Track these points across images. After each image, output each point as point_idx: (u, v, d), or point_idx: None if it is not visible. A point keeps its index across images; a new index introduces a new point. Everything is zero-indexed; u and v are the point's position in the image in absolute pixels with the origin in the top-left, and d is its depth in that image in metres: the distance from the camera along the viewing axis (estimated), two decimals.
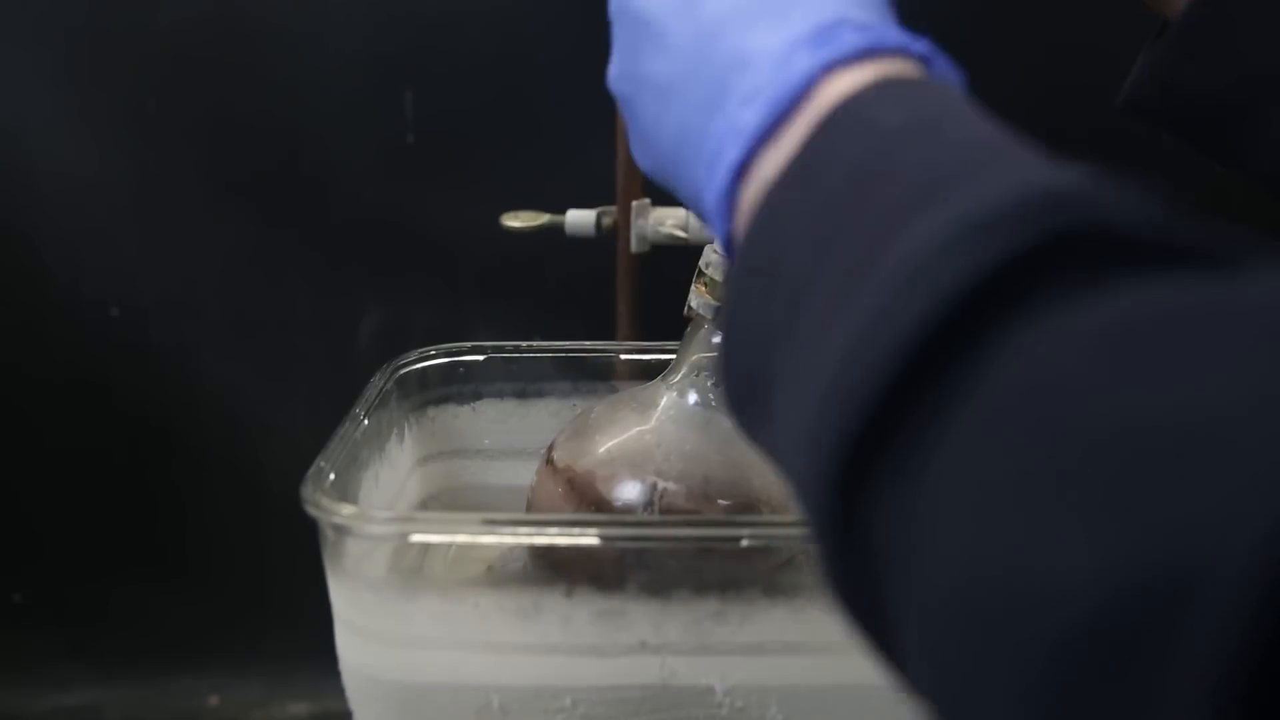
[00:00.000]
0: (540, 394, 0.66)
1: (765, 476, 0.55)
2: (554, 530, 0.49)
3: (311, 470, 0.50)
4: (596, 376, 0.66)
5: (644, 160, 0.40)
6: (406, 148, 1.01)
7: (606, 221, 0.81)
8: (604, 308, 0.84)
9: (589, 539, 0.47)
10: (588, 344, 0.67)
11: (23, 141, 1.01)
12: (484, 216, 0.85)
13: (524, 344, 0.66)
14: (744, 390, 0.31)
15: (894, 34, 0.32)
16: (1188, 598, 0.19)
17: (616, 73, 0.40)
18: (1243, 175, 0.46)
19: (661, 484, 0.53)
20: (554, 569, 0.52)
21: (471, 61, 0.99)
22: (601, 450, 0.55)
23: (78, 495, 1.09)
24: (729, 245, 0.34)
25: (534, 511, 0.57)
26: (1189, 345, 0.21)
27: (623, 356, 0.66)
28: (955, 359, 0.23)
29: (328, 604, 0.51)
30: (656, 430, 0.55)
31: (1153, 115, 0.49)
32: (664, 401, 0.56)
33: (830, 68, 0.31)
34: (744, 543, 0.47)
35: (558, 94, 0.99)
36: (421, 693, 0.49)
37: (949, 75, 0.33)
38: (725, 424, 0.55)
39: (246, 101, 1.01)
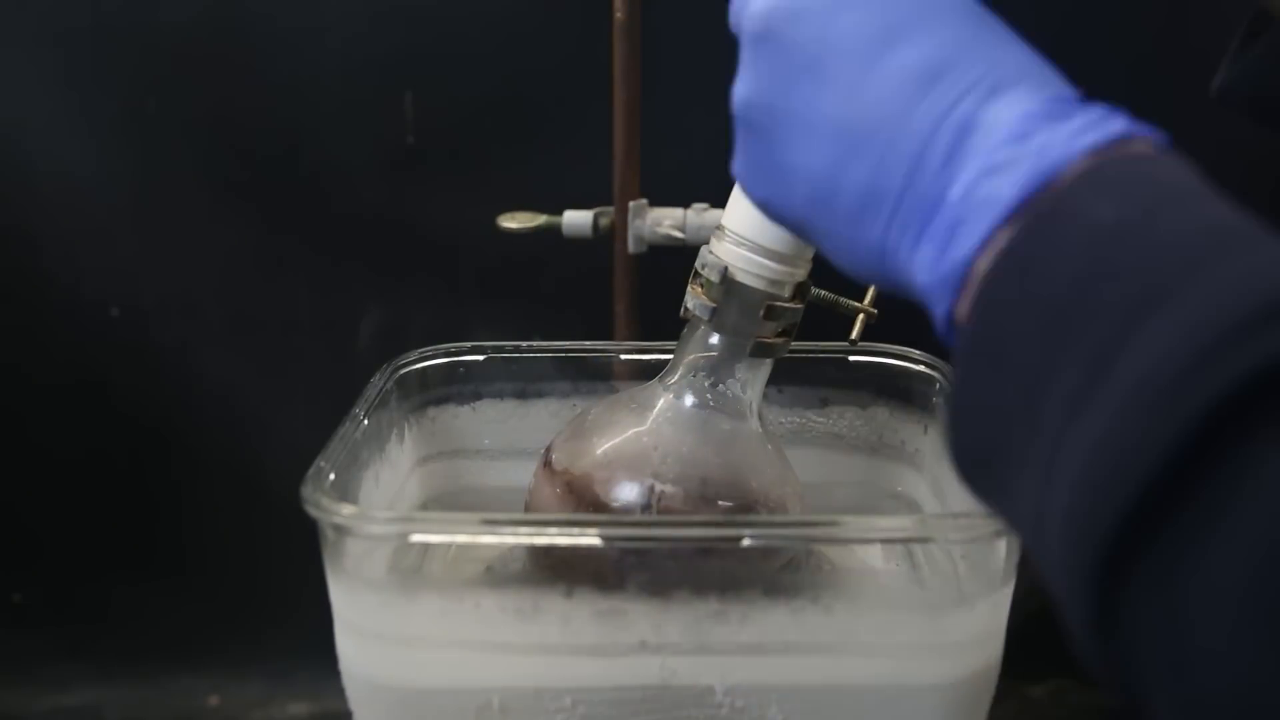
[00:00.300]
0: (540, 394, 0.67)
1: (762, 477, 0.55)
2: (554, 530, 0.49)
3: (311, 470, 0.50)
4: (596, 376, 0.66)
5: (772, 194, 0.39)
6: (406, 148, 1.01)
7: (604, 222, 0.81)
8: (603, 308, 0.84)
9: (589, 539, 0.47)
10: (588, 344, 0.67)
11: (23, 141, 1.01)
12: (484, 217, 0.85)
13: (524, 344, 0.66)
14: (974, 459, 0.32)
15: (1121, 119, 0.33)
16: None
17: (752, 98, 0.38)
18: None
19: (659, 486, 0.53)
20: (554, 569, 0.52)
21: (471, 61, 0.99)
22: (599, 453, 0.55)
23: (78, 495, 1.09)
24: (949, 321, 0.34)
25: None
26: None
27: (622, 356, 0.67)
28: (1205, 476, 0.25)
29: (328, 604, 0.51)
30: (653, 432, 0.55)
31: (1246, 108, 0.49)
32: (661, 403, 0.56)
33: (1078, 153, 0.32)
34: (744, 543, 0.47)
35: (557, 94, 0.99)
36: (421, 693, 0.49)
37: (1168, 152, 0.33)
38: (722, 425, 0.55)
39: (246, 101, 1.01)
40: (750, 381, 0.56)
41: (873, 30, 0.35)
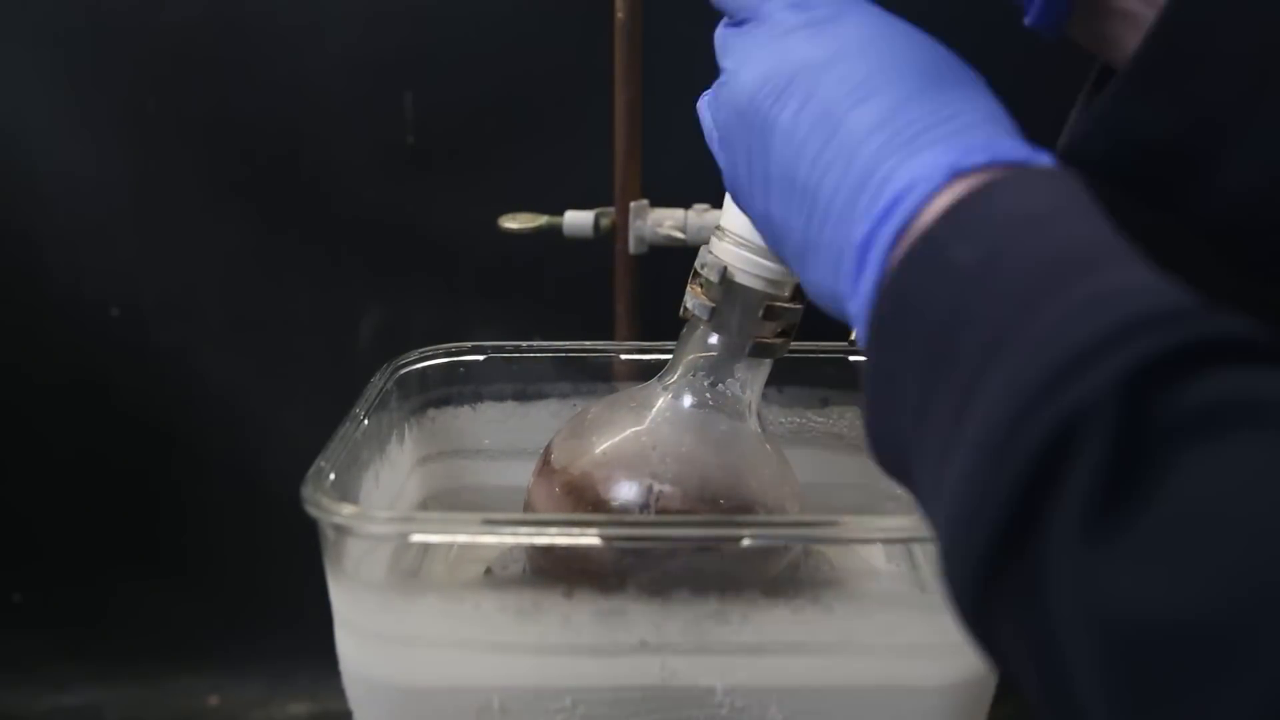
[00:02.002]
0: (540, 394, 0.67)
1: (761, 478, 0.55)
2: (554, 530, 0.49)
3: (311, 470, 0.50)
4: (596, 377, 0.66)
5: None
6: (406, 148, 1.01)
7: (604, 223, 0.81)
8: (604, 308, 0.85)
9: (589, 539, 0.47)
10: (588, 344, 0.67)
11: (23, 141, 1.01)
12: (484, 217, 0.85)
13: (524, 344, 0.66)
14: (891, 465, 0.36)
15: (983, 142, 0.36)
16: None
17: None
18: (1185, 221, 0.45)
19: (658, 486, 0.53)
20: (553, 569, 0.52)
21: (471, 61, 0.99)
22: (598, 452, 0.55)
23: (77, 495, 1.09)
24: None
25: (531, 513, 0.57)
26: None
27: (623, 357, 0.67)
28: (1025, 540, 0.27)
29: (328, 604, 0.51)
30: (652, 432, 0.55)
31: (1095, 165, 0.46)
32: (660, 403, 0.56)
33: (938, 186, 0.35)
34: (744, 543, 0.47)
35: (558, 94, 0.99)
36: (421, 693, 0.49)
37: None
38: (721, 425, 0.55)
39: (246, 101, 1.01)
40: (749, 381, 0.56)
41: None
